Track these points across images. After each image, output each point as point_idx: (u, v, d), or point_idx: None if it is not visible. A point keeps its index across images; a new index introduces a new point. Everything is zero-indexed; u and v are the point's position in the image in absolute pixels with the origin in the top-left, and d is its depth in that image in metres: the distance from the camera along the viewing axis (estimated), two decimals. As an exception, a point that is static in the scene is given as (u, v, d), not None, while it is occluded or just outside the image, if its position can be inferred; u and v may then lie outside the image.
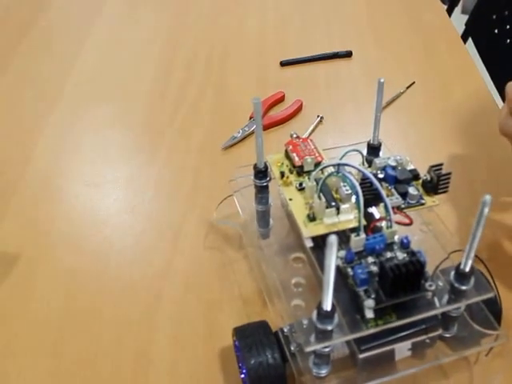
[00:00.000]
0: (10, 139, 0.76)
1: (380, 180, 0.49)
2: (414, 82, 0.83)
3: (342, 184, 0.48)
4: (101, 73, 0.88)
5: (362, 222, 0.45)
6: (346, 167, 0.48)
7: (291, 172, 0.51)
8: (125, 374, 0.50)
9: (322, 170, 0.49)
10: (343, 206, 0.46)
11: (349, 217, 0.46)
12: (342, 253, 0.45)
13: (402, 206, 0.48)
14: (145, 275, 0.58)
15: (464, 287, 0.43)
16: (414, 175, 0.50)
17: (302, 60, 0.89)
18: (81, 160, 0.72)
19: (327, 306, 0.40)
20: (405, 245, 0.44)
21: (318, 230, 0.46)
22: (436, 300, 0.44)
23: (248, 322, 0.48)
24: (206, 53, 0.91)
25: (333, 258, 0.36)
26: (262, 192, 0.53)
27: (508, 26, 1.10)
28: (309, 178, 0.49)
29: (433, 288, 0.43)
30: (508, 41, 1.09)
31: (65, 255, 0.60)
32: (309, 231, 0.46)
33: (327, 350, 0.43)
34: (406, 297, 0.42)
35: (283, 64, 0.88)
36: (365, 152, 0.53)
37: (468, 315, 0.47)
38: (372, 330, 0.42)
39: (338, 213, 0.46)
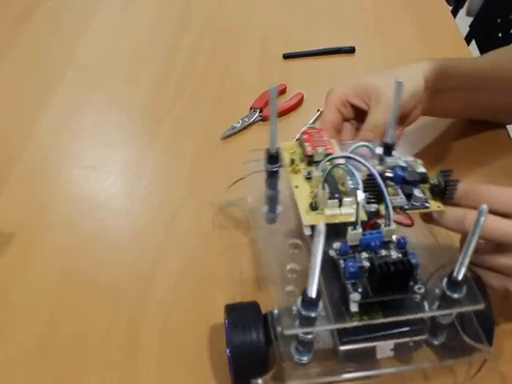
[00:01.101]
0: (10, 120, 0.76)
1: (388, 178, 0.49)
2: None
3: (348, 177, 0.48)
4: (104, 57, 0.89)
5: (360, 217, 0.45)
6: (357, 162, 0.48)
7: (302, 161, 0.52)
8: (114, 358, 0.50)
9: (330, 161, 0.49)
10: (346, 199, 0.46)
11: (350, 210, 0.46)
12: (338, 244, 0.45)
13: (406, 206, 0.48)
14: (139, 259, 0.58)
15: (455, 295, 0.43)
16: (423, 178, 0.49)
17: (304, 54, 0.89)
18: (80, 143, 0.73)
19: (312, 292, 0.40)
20: (401, 244, 0.44)
21: (317, 219, 0.46)
22: (426, 304, 0.44)
23: (240, 302, 0.48)
24: (209, 42, 0.92)
25: (320, 246, 0.36)
26: (271, 177, 0.52)
27: (512, 30, 1.11)
28: (317, 168, 0.49)
29: (422, 291, 0.43)
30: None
31: (60, 236, 0.61)
32: (309, 220, 0.46)
33: (309, 337, 0.43)
34: (393, 296, 0.42)
35: (286, 57, 0.88)
36: (379, 150, 0.53)
37: (460, 326, 0.46)
38: (355, 323, 0.42)
39: (341, 205, 0.46)
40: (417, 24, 0.97)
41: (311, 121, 0.75)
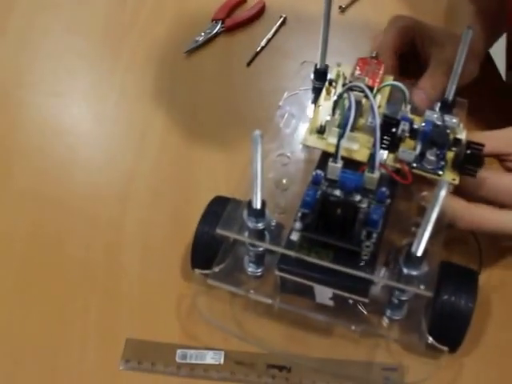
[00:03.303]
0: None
1: (412, 130, 0.44)
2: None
3: (371, 114, 0.44)
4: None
5: (340, 152, 0.42)
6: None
7: (344, 85, 0.48)
8: (96, 281, 0.51)
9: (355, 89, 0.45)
10: (351, 133, 0.43)
11: (352, 146, 0.44)
12: (318, 172, 0.42)
13: (414, 164, 0.43)
14: (112, 180, 0.58)
15: (409, 271, 0.39)
16: (453, 144, 0.44)
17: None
18: (40, 69, 0.69)
19: (256, 204, 0.39)
20: (379, 197, 0.41)
21: (315, 142, 0.45)
22: (379, 269, 0.40)
23: (231, 198, 0.47)
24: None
25: (258, 155, 0.35)
26: (315, 93, 0.51)
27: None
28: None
29: (369, 249, 0.39)
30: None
31: (30, 164, 0.59)
32: (307, 139, 0.45)
33: (260, 249, 0.43)
34: (333, 241, 0.39)
35: (245, -36, 0.84)
36: (436, 106, 0.47)
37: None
38: (290, 252, 0.40)
39: (342, 137, 0.43)
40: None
41: (274, 28, 0.74)
